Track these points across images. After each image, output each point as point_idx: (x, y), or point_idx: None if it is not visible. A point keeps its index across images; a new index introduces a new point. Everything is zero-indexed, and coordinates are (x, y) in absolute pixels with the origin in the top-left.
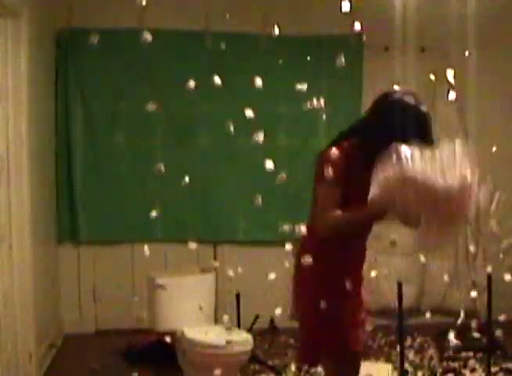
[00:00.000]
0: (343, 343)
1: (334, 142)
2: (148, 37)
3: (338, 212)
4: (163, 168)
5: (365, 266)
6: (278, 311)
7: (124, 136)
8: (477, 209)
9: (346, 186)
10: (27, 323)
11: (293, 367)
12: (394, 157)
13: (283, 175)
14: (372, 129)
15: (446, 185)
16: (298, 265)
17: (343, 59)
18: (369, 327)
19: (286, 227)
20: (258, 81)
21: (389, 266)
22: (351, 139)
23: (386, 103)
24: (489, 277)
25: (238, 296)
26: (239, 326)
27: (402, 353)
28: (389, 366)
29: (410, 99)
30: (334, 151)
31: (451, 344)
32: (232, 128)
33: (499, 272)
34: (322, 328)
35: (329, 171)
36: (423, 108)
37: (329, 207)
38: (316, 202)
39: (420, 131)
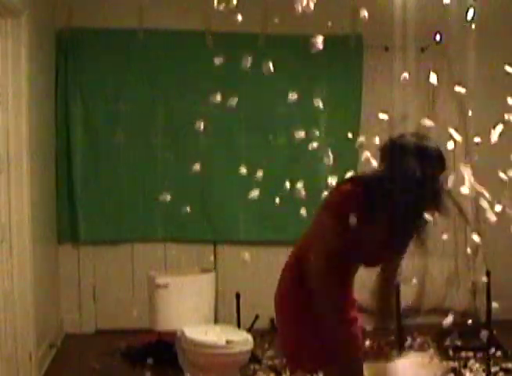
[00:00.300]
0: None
1: (350, 181)
2: (147, 36)
3: (334, 286)
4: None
5: None
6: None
7: (124, 136)
8: (477, 209)
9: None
10: (27, 323)
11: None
12: None
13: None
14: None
15: None
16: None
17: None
18: (368, 327)
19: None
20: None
21: None
22: (362, 185)
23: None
24: (488, 274)
25: (238, 296)
26: (239, 326)
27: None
28: None
29: (421, 142)
30: (356, 190)
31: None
32: (232, 128)
33: (498, 272)
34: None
35: (348, 213)
36: (434, 148)
37: (331, 256)
38: (318, 234)
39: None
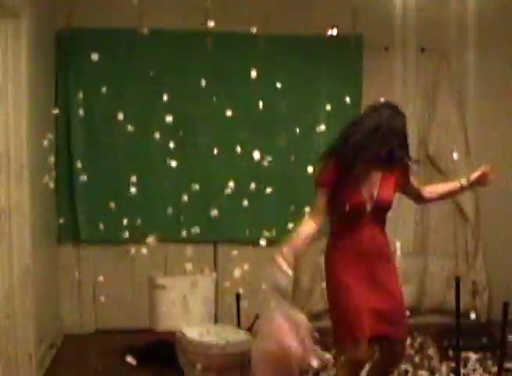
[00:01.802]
0: None
1: None
2: (147, 36)
3: None
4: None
5: None
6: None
7: (124, 136)
8: (477, 207)
9: None
10: (27, 323)
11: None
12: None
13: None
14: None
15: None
16: None
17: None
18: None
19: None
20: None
21: None
22: None
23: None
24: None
25: (238, 296)
26: (239, 326)
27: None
28: None
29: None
30: None
31: None
32: (232, 128)
33: (498, 272)
34: None
35: None
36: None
37: None
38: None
39: None
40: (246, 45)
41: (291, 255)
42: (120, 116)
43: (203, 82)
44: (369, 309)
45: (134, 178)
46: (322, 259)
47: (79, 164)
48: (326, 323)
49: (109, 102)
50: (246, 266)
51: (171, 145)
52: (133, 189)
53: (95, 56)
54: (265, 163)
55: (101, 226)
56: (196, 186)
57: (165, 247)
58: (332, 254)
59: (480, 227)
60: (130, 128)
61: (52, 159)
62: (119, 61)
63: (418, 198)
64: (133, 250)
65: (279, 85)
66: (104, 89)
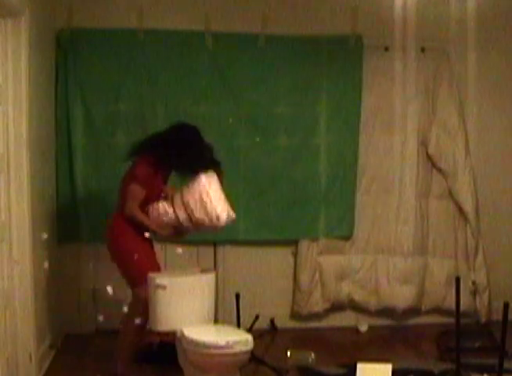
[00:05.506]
0: None
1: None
2: (147, 36)
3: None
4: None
5: None
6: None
7: (124, 136)
8: (477, 207)
9: None
10: (27, 323)
11: None
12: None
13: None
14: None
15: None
16: None
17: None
18: (364, 328)
19: None
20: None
21: (389, 266)
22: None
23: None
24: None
25: (238, 296)
26: (239, 326)
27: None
28: (389, 367)
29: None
30: None
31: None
32: (232, 128)
33: (498, 272)
34: None
35: None
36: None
37: None
38: None
39: None
40: (246, 45)
41: None
42: (120, 116)
43: (203, 82)
44: None
45: None
46: (321, 259)
47: (79, 164)
48: (326, 323)
49: (109, 102)
50: (245, 266)
51: None
52: None
53: (94, 56)
54: (265, 162)
55: (101, 226)
56: None
57: (165, 247)
58: None
59: (480, 227)
60: (130, 127)
61: (52, 159)
62: (119, 61)
63: None
64: None
65: (279, 85)
66: (104, 89)
